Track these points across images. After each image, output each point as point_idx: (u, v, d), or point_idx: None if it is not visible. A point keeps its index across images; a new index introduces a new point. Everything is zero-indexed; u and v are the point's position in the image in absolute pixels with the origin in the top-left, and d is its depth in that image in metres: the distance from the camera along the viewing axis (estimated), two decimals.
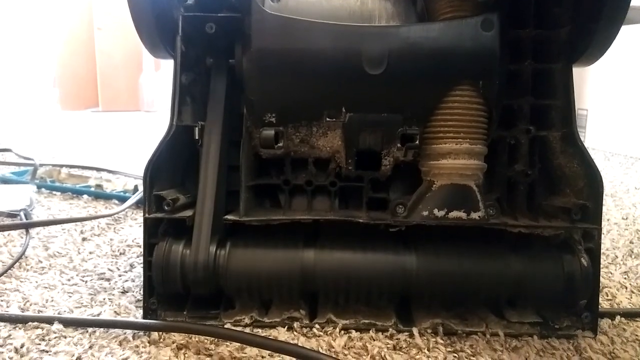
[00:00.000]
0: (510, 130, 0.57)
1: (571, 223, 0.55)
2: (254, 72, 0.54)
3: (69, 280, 0.68)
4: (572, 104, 0.56)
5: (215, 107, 0.57)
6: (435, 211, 0.54)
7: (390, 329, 0.56)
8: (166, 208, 0.55)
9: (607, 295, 0.66)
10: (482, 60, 0.53)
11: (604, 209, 1.10)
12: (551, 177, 0.59)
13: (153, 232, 0.56)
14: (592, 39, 0.55)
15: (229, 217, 0.56)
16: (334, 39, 0.53)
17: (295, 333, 0.55)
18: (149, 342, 0.53)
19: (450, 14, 0.54)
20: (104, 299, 0.62)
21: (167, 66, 3.40)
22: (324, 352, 0.52)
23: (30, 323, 0.55)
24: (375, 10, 0.56)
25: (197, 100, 0.59)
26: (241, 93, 0.57)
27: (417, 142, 0.54)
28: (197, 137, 0.56)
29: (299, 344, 0.52)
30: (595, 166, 0.55)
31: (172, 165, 0.58)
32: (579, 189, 0.56)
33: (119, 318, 0.58)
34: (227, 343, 0.53)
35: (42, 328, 0.54)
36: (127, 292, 0.64)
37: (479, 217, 0.54)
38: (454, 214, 0.54)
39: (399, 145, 0.54)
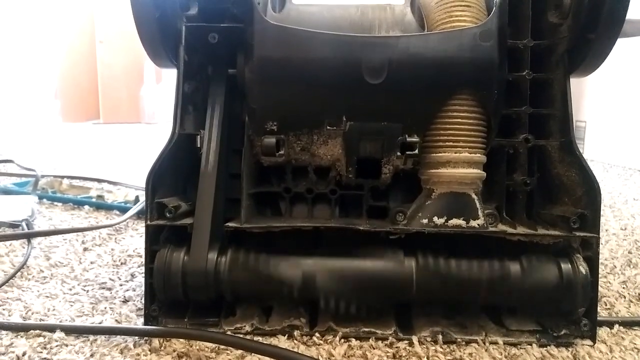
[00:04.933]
0: (509, 139, 0.58)
1: (570, 232, 0.55)
2: (255, 81, 0.54)
3: (70, 289, 0.68)
4: (570, 113, 0.56)
5: (215, 115, 0.58)
6: (435, 219, 0.55)
7: (390, 338, 0.56)
8: (168, 215, 0.55)
9: (606, 305, 0.66)
10: (480, 70, 0.53)
11: (603, 219, 1.10)
12: (550, 186, 0.59)
13: (155, 239, 0.57)
14: (590, 50, 0.56)
15: (230, 224, 0.56)
16: (334, 48, 0.53)
17: (295, 341, 0.55)
18: (149, 350, 0.53)
19: (450, 24, 0.55)
20: (105, 308, 0.62)
21: (168, 78, 3.43)
22: None
23: (32, 331, 0.55)
24: (375, 20, 0.57)
25: (199, 109, 0.60)
26: (243, 101, 0.57)
27: (417, 150, 0.54)
28: (199, 145, 0.57)
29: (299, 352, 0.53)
30: (592, 175, 0.55)
31: (174, 173, 0.59)
32: (577, 198, 0.57)
33: (120, 325, 0.58)
34: (228, 351, 0.53)
35: (44, 336, 0.55)
36: (128, 301, 0.65)
37: (478, 225, 0.55)
38: (454, 221, 0.55)
39: (398, 153, 0.55)
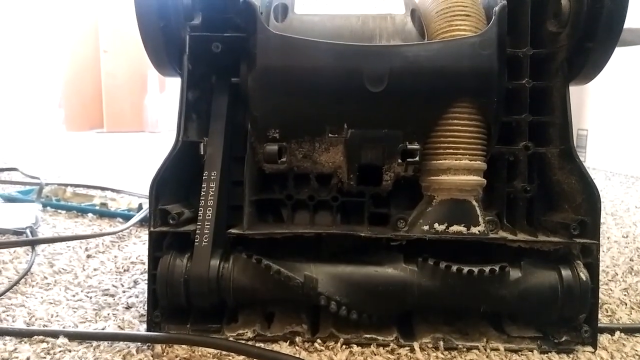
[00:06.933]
0: (509, 147, 0.58)
1: (570, 238, 0.55)
2: (258, 89, 0.55)
3: (73, 296, 0.68)
4: (570, 121, 0.57)
5: (218, 123, 0.58)
6: (436, 225, 0.55)
7: (392, 344, 0.56)
8: (171, 222, 0.56)
9: (607, 312, 0.66)
10: (480, 78, 0.54)
11: (605, 227, 1.11)
12: (550, 193, 0.60)
13: (158, 246, 0.57)
14: (588, 58, 0.56)
15: (232, 230, 0.57)
16: (336, 57, 0.54)
17: (297, 347, 0.56)
18: (152, 356, 0.53)
19: (450, 33, 0.55)
20: (108, 314, 0.63)
21: (172, 88, 3.45)
22: None
23: (35, 337, 0.56)
24: (376, 30, 0.58)
25: (202, 117, 0.60)
26: (245, 109, 0.58)
27: (417, 157, 0.55)
28: (202, 153, 0.58)
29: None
30: (592, 182, 0.56)
31: (178, 180, 0.59)
32: (578, 205, 0.57)
33: (123, 331, 0.58)
34: (230, 357, 0.53)
35: (47, 342, 0.55)
36: (131, 307, 0.65)
37: (479, 231, 0.55)
38: (454, 228, 0.55)
39: (399, 160, 0.55)
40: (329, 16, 0.59)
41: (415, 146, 0.55)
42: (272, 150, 0.55)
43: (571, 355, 0.55)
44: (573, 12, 0.56)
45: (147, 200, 0.58)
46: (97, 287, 0.72)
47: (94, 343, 0.55)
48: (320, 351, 0.55)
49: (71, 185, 1.42)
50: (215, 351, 0.54)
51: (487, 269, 0.53)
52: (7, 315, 0.61)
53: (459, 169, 0.55)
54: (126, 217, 1.08)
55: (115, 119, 3.60)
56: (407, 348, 0.56)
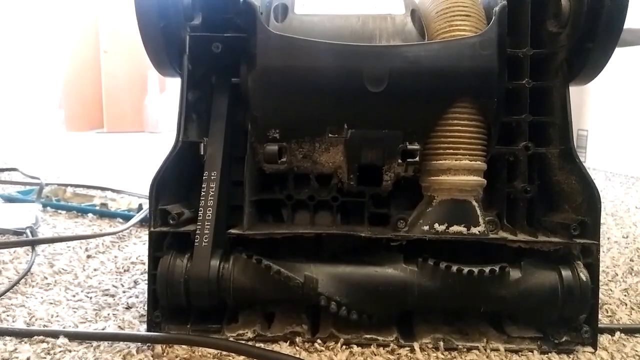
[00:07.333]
0: (509, 147, 0.58)
1: (570, 238, 0.55)
2: (258, 90, 0.55)
3: (73, 296, 0.68)
4: (570, 121, 0.57)
5: (218, 123, 0.58)
6: (436, 226, 0.55)
7: (392, 344, 0.56)
8: (171, 222, 0.56)
9: (607, 312, 0.66)
10: (480, 78, 0.54)
11: (605, 227, 1.11)
12: (550, 193, 0.60)
13: (158, 246, 0.57)
14: (588, 59, 0.56)
15: (232, 231, 0.57)
16: (336, 58, 0.54)
17: (297, 348, 0.56)
18: (152, 356, 0.53)
19: (450, 33, 0.55)
20: (109, 314, 0.63)
21: (172, 88, 3.44)
22: None
23: (35, 337, 0.56)
24: (376, 30, 0.58)
25: (202, 117, 0.60)
26: (245, 110, 0.58)
27: (417, 157, 0.55)
28: (202, 153, 0.58)
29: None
30: (592, 182, 0.56)
31: (178, 181, 0.59)
32: (578, 205, 0.57)
33: (123, 331, 0.58)
34: (230, 357, 0.53)
35: (48, 342, 0.55)
36: (131, 307, 0.65)
37: (479, 232, 0.55)
38: (454, 228, 0.55)
39: (399, 161, 0.55)
40: (329, 16, 0.59)
41: (415, 146, 0.55)
42: (272, 150, 0.55)
43: (571, 356, 0.55)
44: (573, 12, 0.56)
45: (147, 201, 0.58)
46: (97, 287, 0.72)
47: (94, 343, 0.55)
48: (321, 351, 0.55)
49: (71, 185, 1.42)
50: (215, 351, 0.54)
51: (487, 269, 0.53)
52: (7, 315, 0.61)
53: (459, 169, 0.55)
54: (126, 218, 1.08)
55: (115, 119, 3.60)
56: (407, 348, 0.56)
